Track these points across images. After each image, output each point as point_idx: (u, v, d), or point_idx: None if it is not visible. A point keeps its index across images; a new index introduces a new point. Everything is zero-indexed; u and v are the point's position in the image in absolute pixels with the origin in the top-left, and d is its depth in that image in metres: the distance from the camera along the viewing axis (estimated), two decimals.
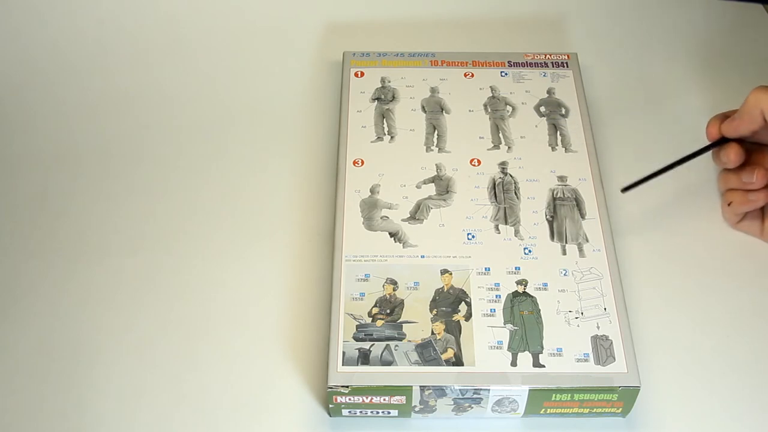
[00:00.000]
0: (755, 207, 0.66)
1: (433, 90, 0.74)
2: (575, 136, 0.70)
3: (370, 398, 0.57)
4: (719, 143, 0.65)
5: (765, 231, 0.67)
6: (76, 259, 0.67)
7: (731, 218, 0.68)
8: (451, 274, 0.62)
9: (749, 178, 0.65)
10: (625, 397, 0.57)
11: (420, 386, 0.56)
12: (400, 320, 0.59)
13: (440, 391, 0.56)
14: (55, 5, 0.82)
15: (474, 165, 0.68)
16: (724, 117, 0.65)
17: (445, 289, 0.61)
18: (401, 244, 0.63)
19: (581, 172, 0.68)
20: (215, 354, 0.62)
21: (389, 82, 0.74)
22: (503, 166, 0.68)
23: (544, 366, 0.57)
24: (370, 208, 0.66)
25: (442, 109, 0.72)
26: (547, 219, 0.65)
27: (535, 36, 0.83)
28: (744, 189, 0.66)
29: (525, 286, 0.61)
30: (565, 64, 0.76)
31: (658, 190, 0.71)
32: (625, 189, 0.65)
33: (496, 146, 0.70)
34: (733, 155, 0.64)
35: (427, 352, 0.58)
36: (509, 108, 0.72)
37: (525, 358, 0.58)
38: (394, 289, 0.61)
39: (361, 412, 0.58)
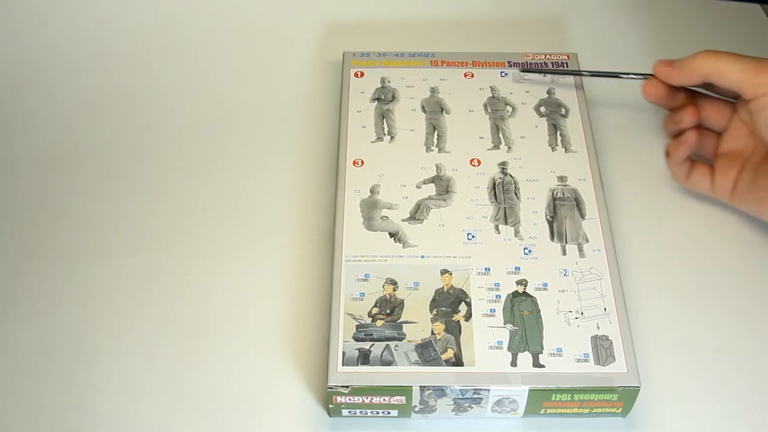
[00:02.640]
0: (688, 148, 0.66)
1: (433, 90, 0.74)
2: (575, 136, 0.70)
3: (370, 398, 0.57)
4: (648, 76, 0.67)
5: (716, 187, 0.67)
6: (76, 259, 0.67)
7: (678, 173, 0.69)
8: (451, 274, 0.62)
9: (679, 117, 0.66)
10: (625, 397, 0.57)
11: (420, 386, 0.56)
12: (400, 320, 0.59)
13: (440, 391, 0.57)
14: (55, 5, 0.82)
15: (474, 165, 0.68)
16: (671, 63, 0.66)
17: (445, 289, 0.61)
18: (401, 244, 0.63)
19: (581, 172, 0.68)
20: (215, 354, 0.62)
21: (389, 82, 0.74)
22: (503, 166, 0.68)
23: (544, 366, 0.57)
24: (370, 208, 0.66)
25: (442, 109, 0.72)
26: (547, 219, 0.65)
27: (535, 36, 0.83)
28: (677, 131, 0.67)
29: (525, 286, 0.61)
30: (565, 64, 0.76)
31: (660, 190, 0.71)
32: (525, 70, 0.72)
33: (496, 146, 0.70)
34: (689, 115, 0.66)
35: (427, 352, 0.58)
36: (509, 108, 0.72)
37: (525, 358, 0.58)
38: (394, 289, 0.61)
39: (361, 412, 0.58)
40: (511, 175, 0.67)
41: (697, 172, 0.68)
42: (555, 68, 0.73)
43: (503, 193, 0.66)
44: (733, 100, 0.67)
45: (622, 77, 0.69)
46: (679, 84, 0.66)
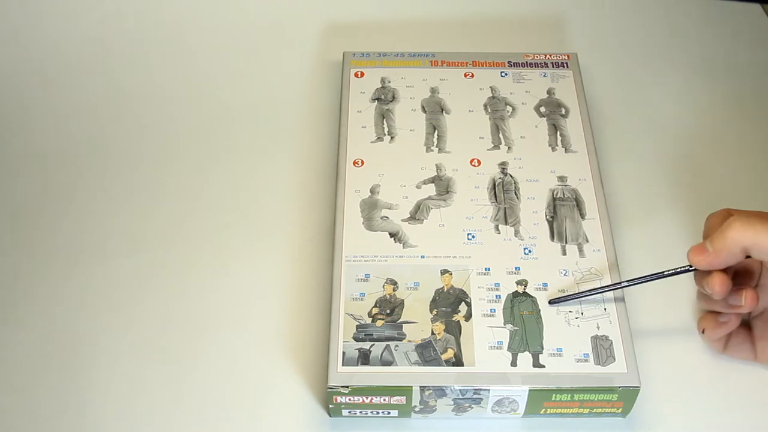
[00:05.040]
0: (728, 330, 0.59)
1: (433, 90, 0.74)
2: (575, 136, 0.70)
3: (370, 398, 0.57)
4: (688, 270, 0.58)
5: (759, 354, 0.60)
6: (75, 259, 0.67)
7: (714, 344, 0.61)
8: (451, 274, 0.62)
9: (737, 300, 0.57)
10: (625, 397, 0.57)
11: (420, 386, 0.56)
12: (400, 320, 0.59)
13: (440, 392, 0.56)
14: (55, 5, 0.82)
15: (474, 165, 0.68)
16: (703, 250, 0.56)
17: (445, 289, 0.61)
18: (401, 245, 0.63)
19: (581, 172, 0.68)
20: (215, 354, 0.62)
21: (389, 82, 0.74)
22: (503, 166, 0.68)
23: (544, 366, 0.57)
24: (370, 208, 0.66)
25: (442, 110, 0.72)
26: (547, 219, 0.65)
27: (535, 36, 0.83)
28: (719, 311, 0.59)
29: (525, 286, 0.61)
30: (565, 64, 0.76)
31: (660, 190, 0.71)
32: (553, 301, 0.60)
33: (496, 146, 0.70)
34: (718, 286, 0.56)
35: (427, 352, 0.58)
36: (509, 108, 0.72)
37: (525, 358, 0.58)
38: (394, 290, 0.61)
39: (361, 412, 0.58)
40: (511, 175, 0.67)
41: (735, 340, 0.61)
42: (586, 291, 0.60)
43: (503, 193, 0.66)
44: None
45: (665, 276, 0.58)
46: (724, 267, 0.56)
